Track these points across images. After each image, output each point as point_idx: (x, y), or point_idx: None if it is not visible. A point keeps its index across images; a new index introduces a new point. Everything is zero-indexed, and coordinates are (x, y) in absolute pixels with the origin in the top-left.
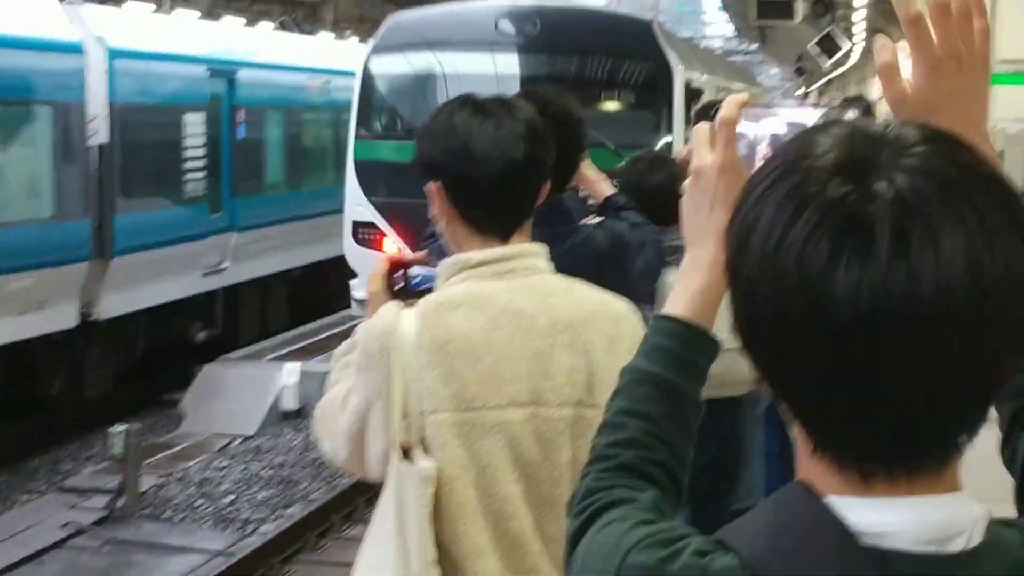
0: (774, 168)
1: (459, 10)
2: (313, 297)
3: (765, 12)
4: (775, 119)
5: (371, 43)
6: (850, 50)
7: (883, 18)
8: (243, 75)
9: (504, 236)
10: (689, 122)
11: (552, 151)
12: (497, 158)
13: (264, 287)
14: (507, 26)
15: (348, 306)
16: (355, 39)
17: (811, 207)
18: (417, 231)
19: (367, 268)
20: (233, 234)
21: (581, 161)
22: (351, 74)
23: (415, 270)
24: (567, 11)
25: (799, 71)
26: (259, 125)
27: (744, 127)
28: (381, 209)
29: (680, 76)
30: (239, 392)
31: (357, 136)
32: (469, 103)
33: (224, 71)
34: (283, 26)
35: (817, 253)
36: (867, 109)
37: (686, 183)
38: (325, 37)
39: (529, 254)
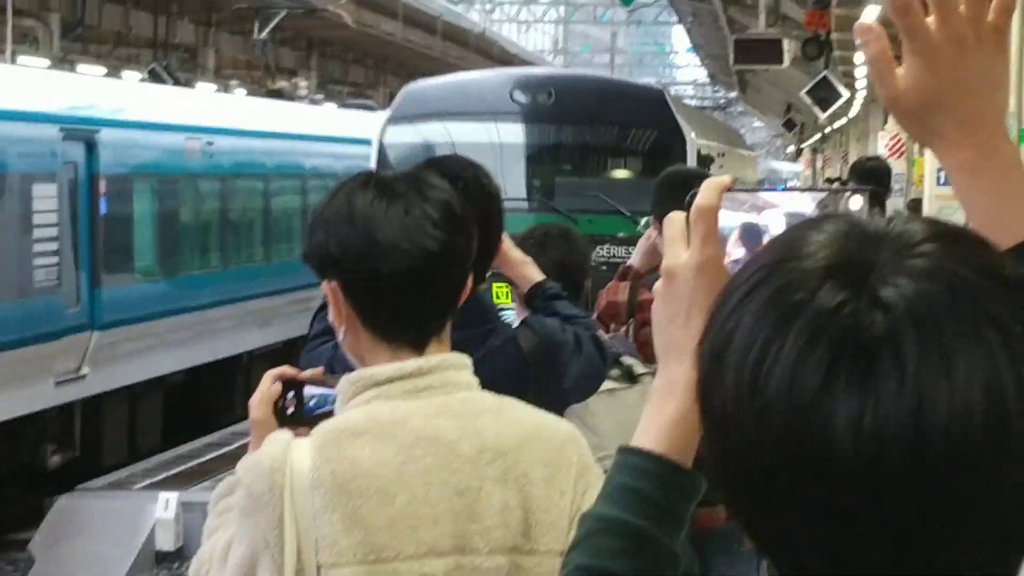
0: (755, 270)
1: (473, 79)
2: (195, 409)
3: (745, 56)
4: (761, 207)
5: (387, 112)
6: (851, 99)
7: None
8: (105, 136)
9: (418, 346)
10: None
11: (474, 238)
12: (406, 250)
13: (133, 397)
14: (521, 95)
15: (233, 420)
16: (242, 90)
17: (799, 319)
18: None
19: None
20: (93, 333)
21: (500, 242)
22: (243, 133)
23: (309, 390)
24: (581, 79)
25: (789, 124)
26: (126, 197)
27: (725, 217)
28: None
29: (693, 143)
30: (102, 530)
31: None
32: (372, 182)
33: (81, 132)
34: (153, 75)
35: (807, 377)
36: (878, 196)
37: (657, 285)
38: (205, 88)
39: (449, 366)
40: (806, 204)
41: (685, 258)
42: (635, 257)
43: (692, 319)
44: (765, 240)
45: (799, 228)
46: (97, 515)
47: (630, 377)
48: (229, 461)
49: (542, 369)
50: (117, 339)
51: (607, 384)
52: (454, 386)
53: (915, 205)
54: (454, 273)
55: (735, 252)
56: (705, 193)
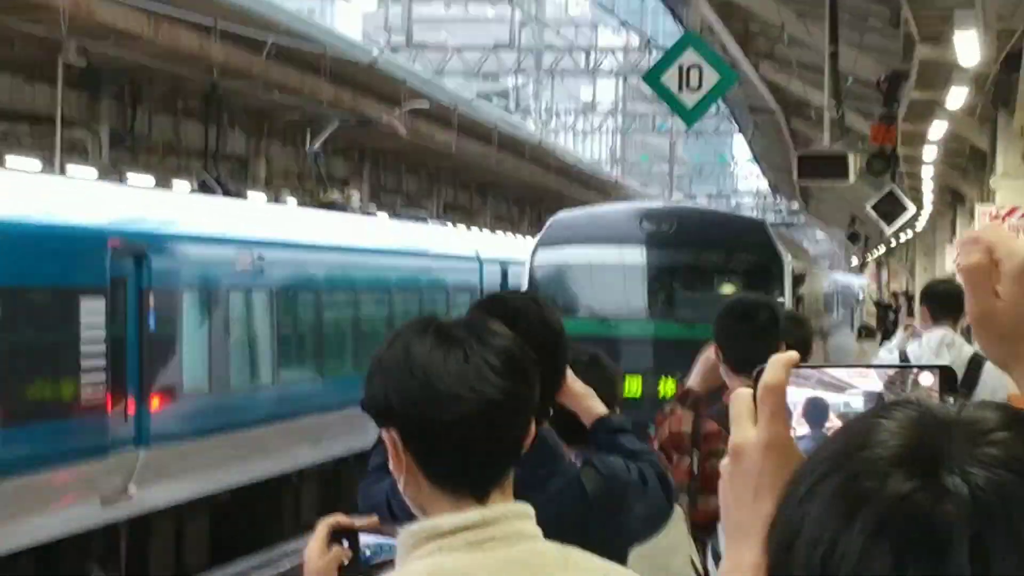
0: (823, 459)
1: (608, 211)
2: (243, 529)
3: (810, 171)
4: (827, 383)
5: (536, 238)
6: (917, 215)
7: (958, 173)
8: (155, 250)
9: (480, 495)
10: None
11: (536, 384)
12: (467, 399)
13: (180, 517)
14: (648, 225)
15: (282, 538)
16: (292, 199)
17: (868, 507)
18: None
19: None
20: (140, 450)
21: (564, 380)
22: (295, 246)
23: (366, 539)
24: (696, 212)
25: (853, 237)
26: (175, 312)
27: (791, 393)
28: None
29: (789, 265)
30: None
31: None
32: (431, 329)
33: (130, 246)
34: (204, 186)
35: (877, 565)
36: (950, 380)
37: (724, 463)
38: (257, 198)
39: (514, 516)
40: (874, 380)
41: (752, 436)
42: (693, 378)
43: (760, 500)
44: (831, 416)
45: (868, 415)
46: None
47: None
48: None
49: (606, 511)
50: (166, 457)
51: None
52: (518, 537)
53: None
54: (517, 421)
55: (800, 428)
56: (772, 369)
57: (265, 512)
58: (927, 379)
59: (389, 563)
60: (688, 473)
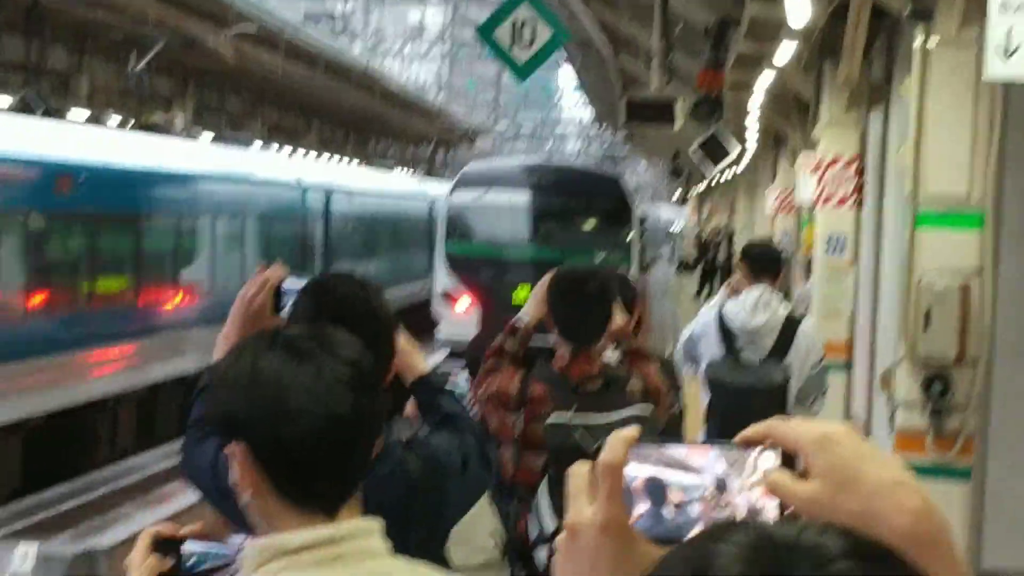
0: None
1: (506, 165)
2: (57, 456)
3: (637, 114)
4: (667, 461)
5: (452, 184)
6: (741, 154)
7: (780, 117)
8: None
9: (330, 511)
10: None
11: (382, 393)
12: (319, 414)
13: None
14: (534, 177)
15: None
16: (115, 118)
17: None
18: (479, 296)
19: (449, 321)
20: None
21: (390, 367)
22: (116, 170)
23: (191, 547)
24: (571, 168)
25: (675, 171)
26: None
27: (630, 469)
28: (457, 281)
29: (638, 210)
30: None
31: (448, 238)
32: (279, 342)
33: None
34: (25, 103)
35: None
36: (789, 461)
37: (559, 539)
38: (78, 116)
39: (363, 534)
40: (713, 460)
41: (589, 515)
42: (528, 306)
43: None
44: (669, 495)
45: (704, 539)
46: None
47: None
48: (91, 511)
49: (428, 494)
50: None
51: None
52: (367, 554)
53: (808, 267)
54: (367, 436)
55: (638, 506)
56: (611, 448)
57: (79, 439)
58: (768, 460)
59: (216, 570)
60: (511, 431)
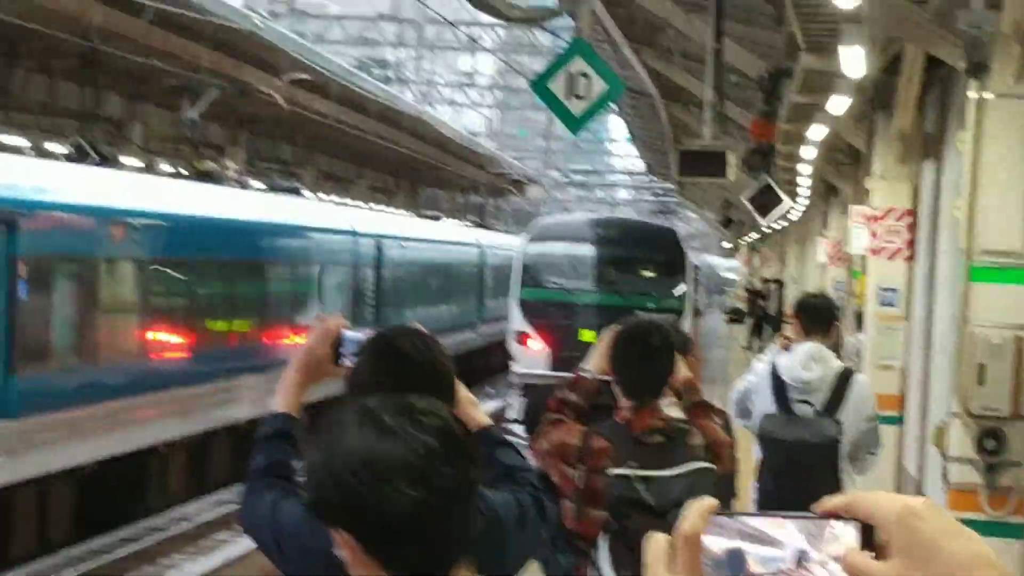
0: None
1: (575, 218)
2: (111, 503)
3: (689, 166)
4: (744, 532)
5: (526, 235)
6: (792, 205)
7: (832, 168)
8: (28, 218)
9: None
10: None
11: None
12: (418, 492)
13: (44, 490)
14: (599, 230)
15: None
16: (167, 167)
17: None
18: (550, 336)
19: (522, 358)
20: (10, 422)
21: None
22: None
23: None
24: (631, 221)
25: (726, 222)
26: (47, 282)
27: (708, 540)
28: (530, 323)
29: (691, 260)
30: None
31: (523, 285)
32: (366, 418)
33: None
34: (78, 151)
35: None
36: (868, 534)
37: None
38: (131, 164)
39: None
40: (792, 533)
41: None
42: (592, 359)
43: None
44: (748, 565)
45: None
46: None
47: None
48: (143, 558)
49: (487, 549)
50: (35, 427)
51: None
52: None
53: (858, 319)
54: (468, 501)
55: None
56: (690, 519)
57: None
58: (847, 532)
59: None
60: (572, 484)
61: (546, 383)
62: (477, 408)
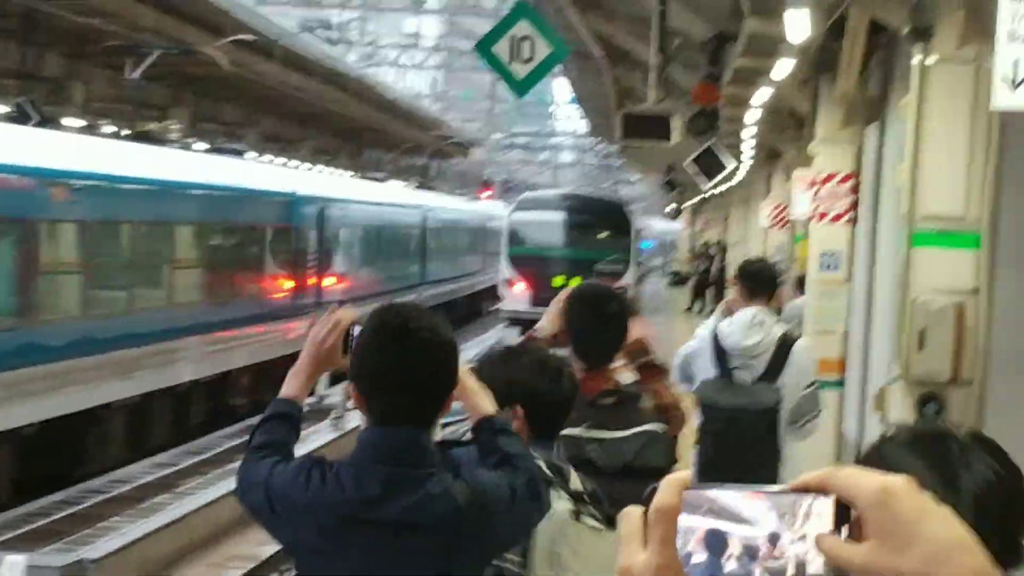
0: None
1: (549, 194)
2: (50, 464)
3: (633, 129)
4: (716, 510)
5: (511, 207)
6: (735, 168)
7: (776, 132)
8: None
9: None
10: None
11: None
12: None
13: None
14: (567, 202)
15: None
16: (110, 127)
17: None
18: (530, 281)
19: (510, 298)
20: None
21: (454, 386)
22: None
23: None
24: (591, 197)
25: (669, 184)
26: None
27: (682, 518)
28: (515, 271)
29: (636, 228)
30: None
31: (510, 244)
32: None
33: None
34: (20, 111)
35: None
36: (843, 511)
37: None
38: (71, 124)
39: None
40: (762, 509)
41: (643, 559)
42: (544, 319)
43: None
44: (730, 545)
45: None
46: None
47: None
48: (81, 521)
49: (474, 523)
50: None
51: (591, 523)
52: None
53: (799, 283)
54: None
55: (697, 555)
56: (665, 492)
57: (74, 446)
58: (822, 507)
59: None
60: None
61: (527, 316)
62: (482, 396)
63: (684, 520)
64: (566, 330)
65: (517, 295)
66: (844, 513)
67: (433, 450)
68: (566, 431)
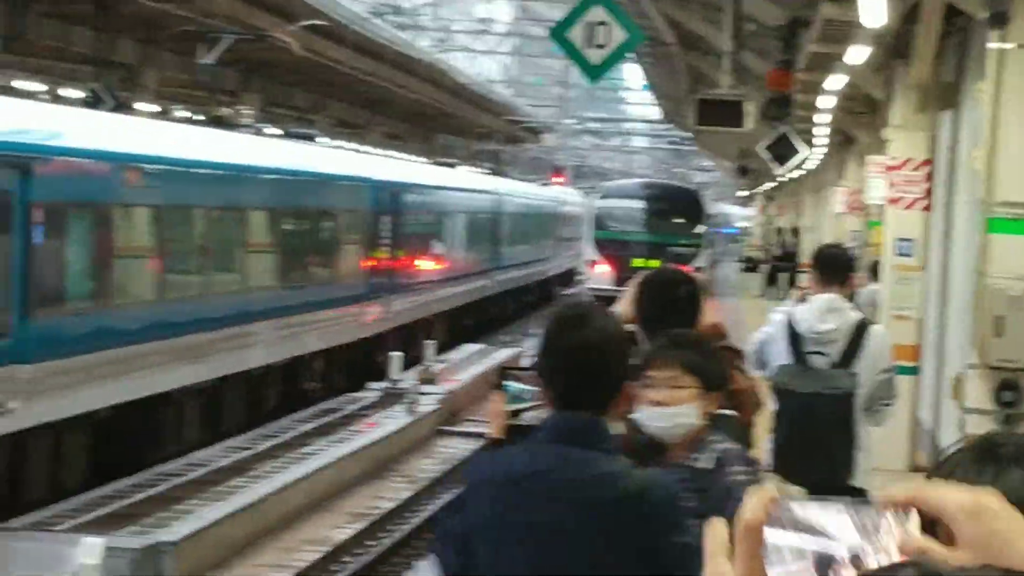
0: None
1: (630, 183)
2: (126, 448)
3: (707, 113)
4: (796, 523)
5: (596, 195)
6: (808, 155)
7: (850, 117)
8: (42, 165)
9: None
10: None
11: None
12: None
13: (58, 433)
14: (647, 190)
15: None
16: (184, 112)
17: None
18: (612, 262)
19: (593, 277)
20: (24, 366)
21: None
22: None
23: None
24: (670, 184)
25: (742, 170)
26: (61, 226)
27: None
28: (599, 253)
29: (708, 215)
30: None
31: (597, 228)
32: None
33: (15, 159)
34: (95, 96)
35: None
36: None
37: None
38: (144, 110)
39: None
40: (844, 523)
41: (729, 574)
42: (623, 303)
43: None
44: (837, 563)
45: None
46: (15, 558)
47: None
48: (160, 503)
49: (632, 510)
50: (49, 372)
51: None
52: None
53: (873, 269)
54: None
55: (777, 568)
56: (753, 508)
57: (149, 431)
58: (905, 523)
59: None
60: None
61: (609, 294)
62: None
63: (769, 535)
64: (639, 316)
65: (601, 275)
66: (929, 527)
67: (608, 433)
68: (632, 416)
